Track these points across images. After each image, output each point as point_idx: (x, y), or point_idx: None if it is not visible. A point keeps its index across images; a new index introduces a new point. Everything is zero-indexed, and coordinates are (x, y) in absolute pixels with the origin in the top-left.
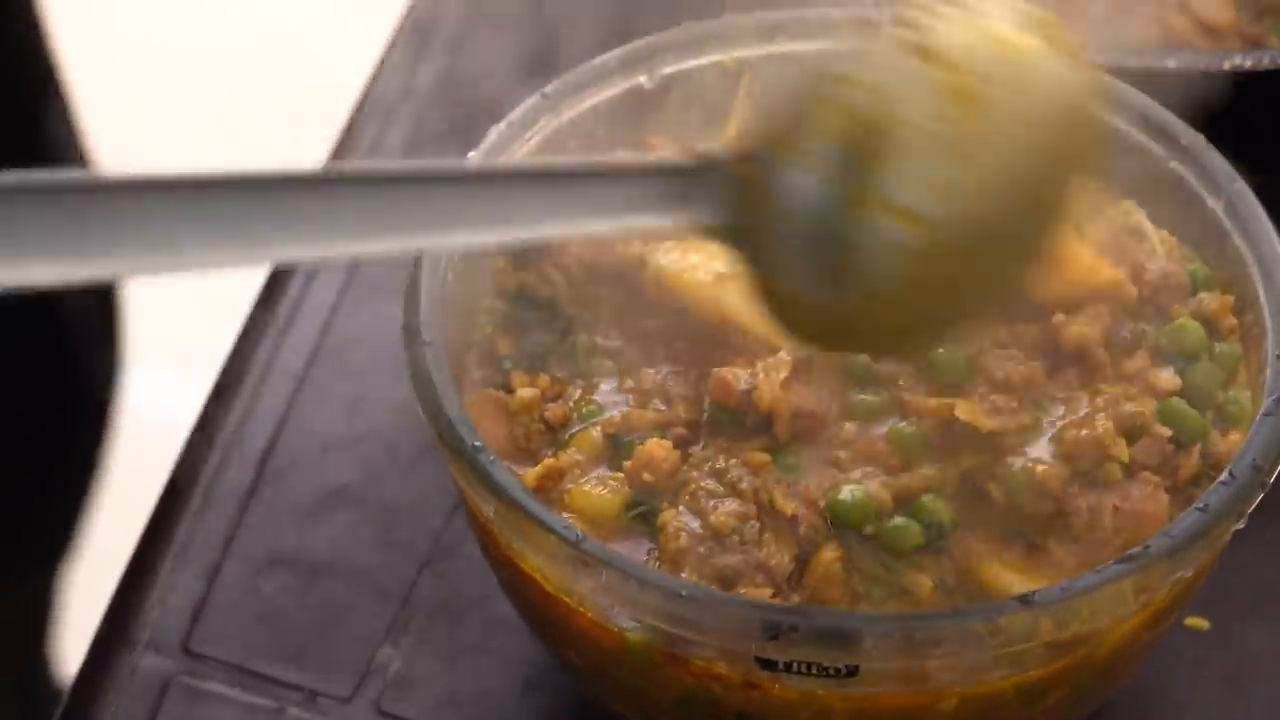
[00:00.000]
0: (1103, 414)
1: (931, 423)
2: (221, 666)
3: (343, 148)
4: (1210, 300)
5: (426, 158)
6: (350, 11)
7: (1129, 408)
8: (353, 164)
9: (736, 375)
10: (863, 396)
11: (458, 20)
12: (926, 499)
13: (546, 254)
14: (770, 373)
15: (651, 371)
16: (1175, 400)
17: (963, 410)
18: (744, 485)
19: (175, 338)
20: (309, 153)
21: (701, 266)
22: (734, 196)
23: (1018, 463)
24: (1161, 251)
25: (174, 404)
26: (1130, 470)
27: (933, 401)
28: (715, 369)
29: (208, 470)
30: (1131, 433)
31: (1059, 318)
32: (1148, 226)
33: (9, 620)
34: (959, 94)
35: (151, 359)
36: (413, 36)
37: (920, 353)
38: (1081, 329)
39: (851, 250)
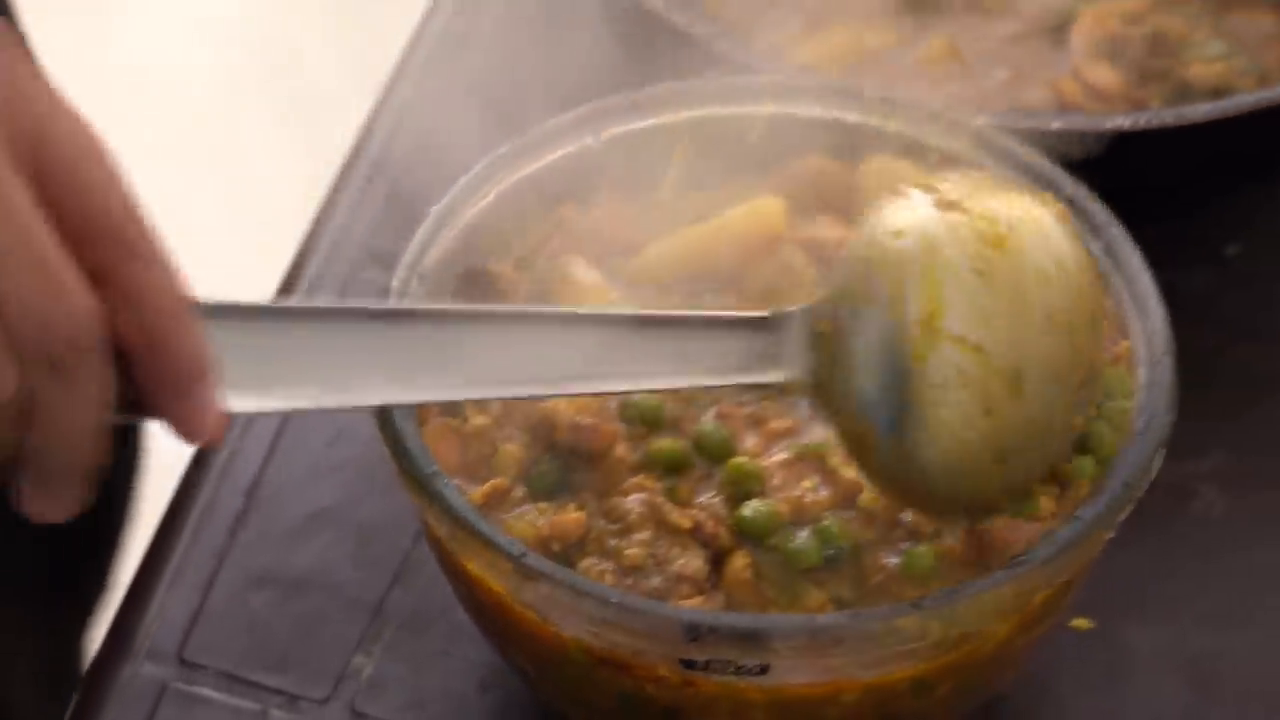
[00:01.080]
0: None
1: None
2: (212, 673)
3: (329, 202)
4: None
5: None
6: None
7: None
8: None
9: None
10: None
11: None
12: (827, 522)
13: (498, 296)
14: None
15: None
16: (1080, 462)
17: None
18: (634, 516)
19: None
20: (295, 203)
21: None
22: (814, 349)
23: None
24: None
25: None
26: None
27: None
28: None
29: (202, 497)
30: None
31: None
32: None
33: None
34: (992, 238)
35: None
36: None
37: (987, 507)
38: None
39: (916, 387)
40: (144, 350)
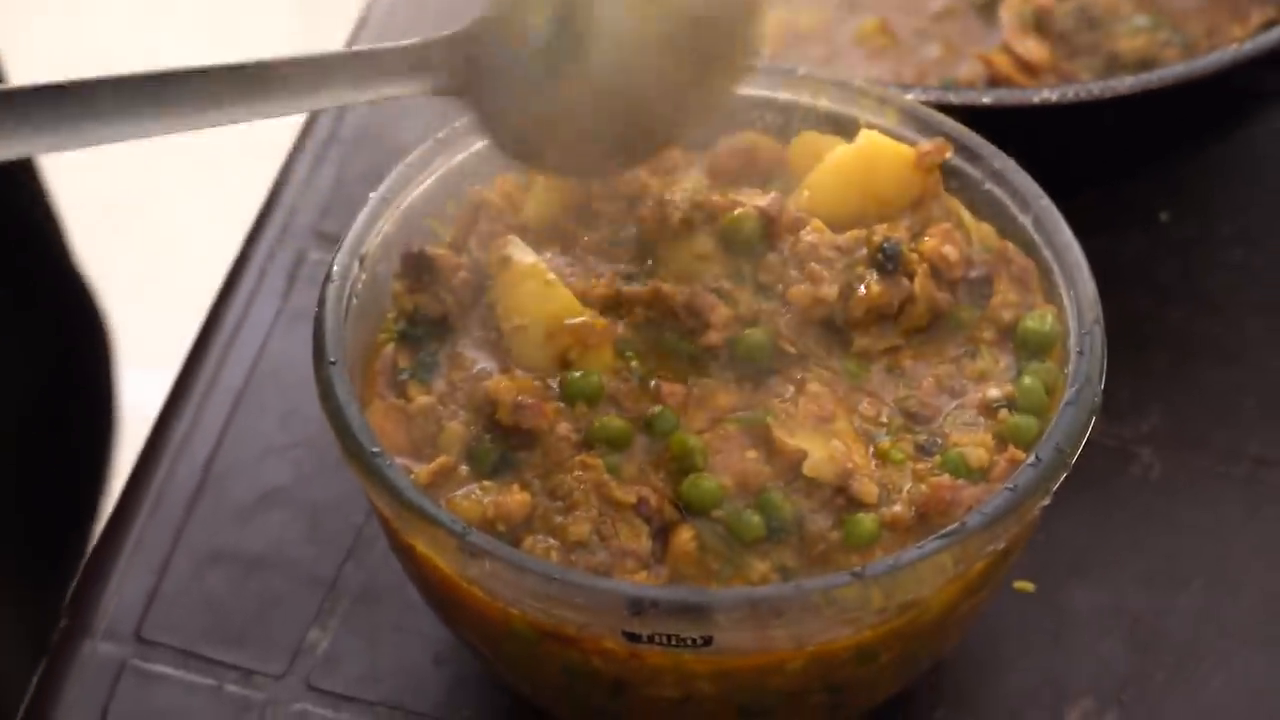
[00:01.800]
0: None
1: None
2: (169, 651)
3: (279, 185)
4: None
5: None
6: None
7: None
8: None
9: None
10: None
11: None
12: (772, 494)
13: (439, 279)
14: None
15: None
16: (1017, 419)
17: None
18: (578, 494)
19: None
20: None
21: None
22: (463, 66)
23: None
24: (978, 238)
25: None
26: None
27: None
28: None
29: (159, 476)
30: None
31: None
32: (968, 218)
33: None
34: None
35: (144, 360)
36: None
37: (624, 166)
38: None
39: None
40: None
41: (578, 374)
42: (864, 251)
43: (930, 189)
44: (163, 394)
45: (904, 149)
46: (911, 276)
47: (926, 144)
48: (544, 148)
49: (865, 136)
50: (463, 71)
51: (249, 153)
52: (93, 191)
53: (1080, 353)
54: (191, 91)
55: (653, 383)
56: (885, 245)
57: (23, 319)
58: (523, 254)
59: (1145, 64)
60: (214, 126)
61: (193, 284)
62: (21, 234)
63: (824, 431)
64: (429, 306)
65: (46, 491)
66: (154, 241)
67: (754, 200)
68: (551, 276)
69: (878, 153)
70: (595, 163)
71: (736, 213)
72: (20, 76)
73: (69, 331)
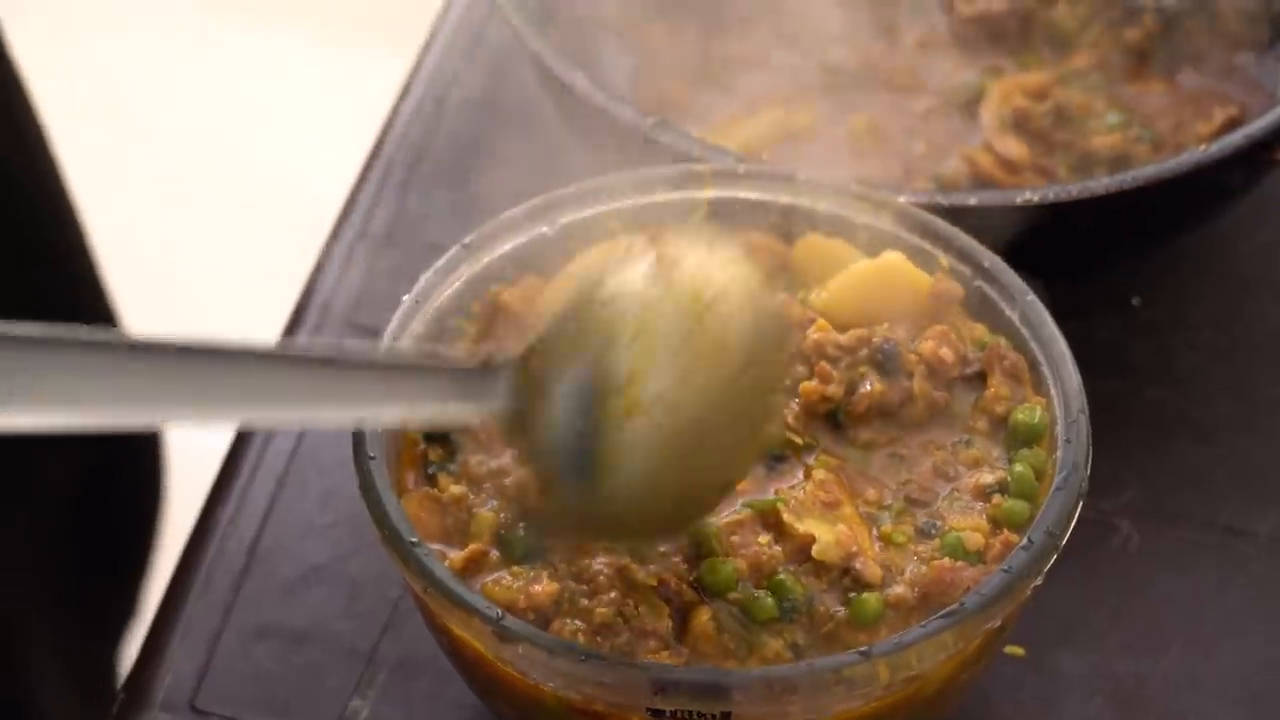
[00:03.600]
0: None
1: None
2: None
3: (313, 278)
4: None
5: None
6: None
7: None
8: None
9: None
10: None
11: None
12: (783, 577)
13: None
14: None
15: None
16: (1010, 504)
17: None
18: (602, 578)
19: None
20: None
21: None
22: (521, 392)
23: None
24: (971, 337)
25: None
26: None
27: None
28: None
29: (208, 556)
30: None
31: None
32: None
33: (79, 691)
34: (699, 308)
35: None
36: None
37: (666, 537)
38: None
39: (609, 443)
40: None
41: None
42: (865, 351)
43: (942, 312)
44: (212, 447)
45: (922, 276)
46: (910, 376)
47: (944, 282)
48: (604, 507)
49: (888, 256)
50: (518, 403)
51: (282, 248)
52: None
53: (1067, 441)
54: (242, 379)
55: None
56: (885, 347)
57: None
58: None
59: (1118, 159)
60: (253, 424)
61: None
62: (70, 307)
63: (830, 517)
64: None
65: (93, 565)
66: (196, 321)
67: None
68: None
69: (896, 273)
70: (649, 531)
71: None
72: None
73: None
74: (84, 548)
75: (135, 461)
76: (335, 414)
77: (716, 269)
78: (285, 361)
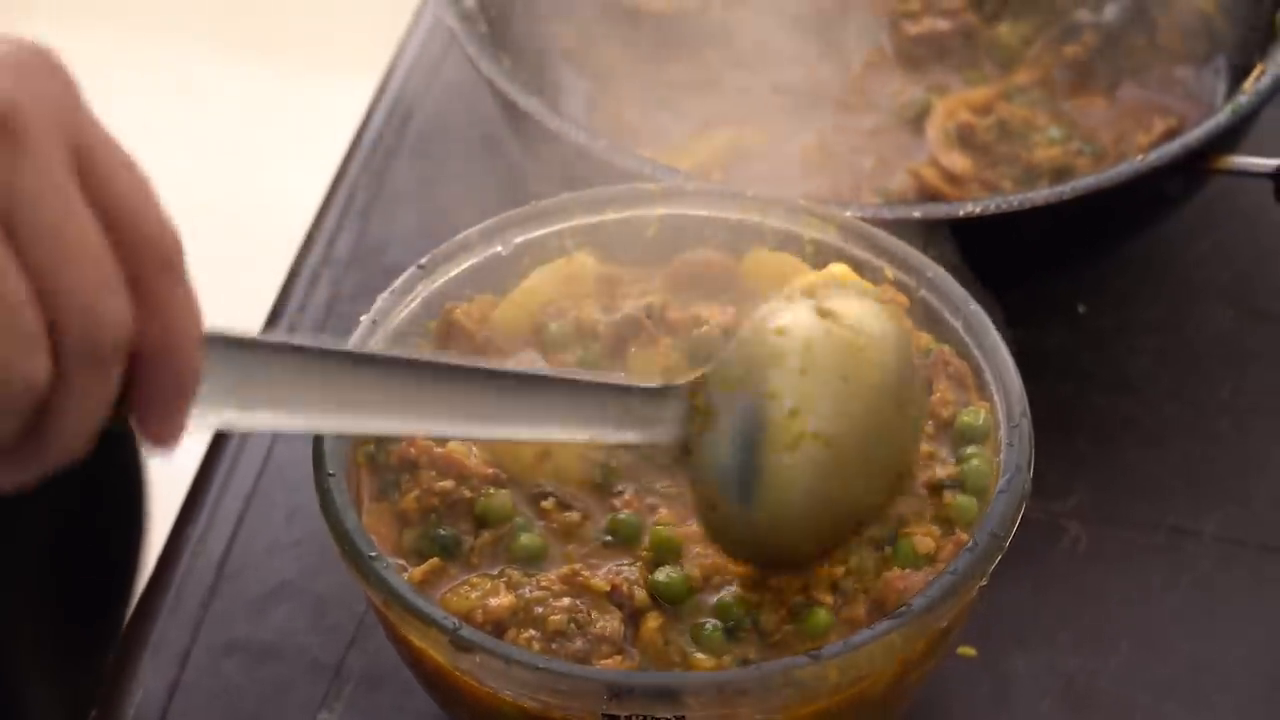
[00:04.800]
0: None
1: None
2: None
3: (279, 302)
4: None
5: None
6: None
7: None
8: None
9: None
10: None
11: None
12: (726, 599)
13: None
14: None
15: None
16: (960, 500)
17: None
18: (557, 586)
19: None
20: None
21: None
22: (689, 420)
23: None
24: (917, 345)
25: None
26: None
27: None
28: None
29: (178, 575)
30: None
31: None
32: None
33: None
34: (856, 348)
35: None
36: (332, 212)
37: (814, 565)
38: None
39: (772, 471)
40: (153, 359)
41: (491, 493)
42: None
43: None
44: (181, 466)
45: (866, 287)
46: None
47: (888, 292)
48: (765, 533)
49: (833, 268)
50: (690, 430)
51: (251, 267)
52: None
53: (1010, 444)
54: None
55: (619, 487)
56: None
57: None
58: None
59: (1060, 171)
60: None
61: None
62: None
63: None
64: None
65: (79, 589)
66: None
67: (714, 315)
68: None
69: (841, 282)
70: (800, 553)
71: (702, 330)
72: None
73: (100, 439)
74: (70, 570)
75: (119, 488)
76: (523, 431)
77: (870, 315)
78: (474, 375)
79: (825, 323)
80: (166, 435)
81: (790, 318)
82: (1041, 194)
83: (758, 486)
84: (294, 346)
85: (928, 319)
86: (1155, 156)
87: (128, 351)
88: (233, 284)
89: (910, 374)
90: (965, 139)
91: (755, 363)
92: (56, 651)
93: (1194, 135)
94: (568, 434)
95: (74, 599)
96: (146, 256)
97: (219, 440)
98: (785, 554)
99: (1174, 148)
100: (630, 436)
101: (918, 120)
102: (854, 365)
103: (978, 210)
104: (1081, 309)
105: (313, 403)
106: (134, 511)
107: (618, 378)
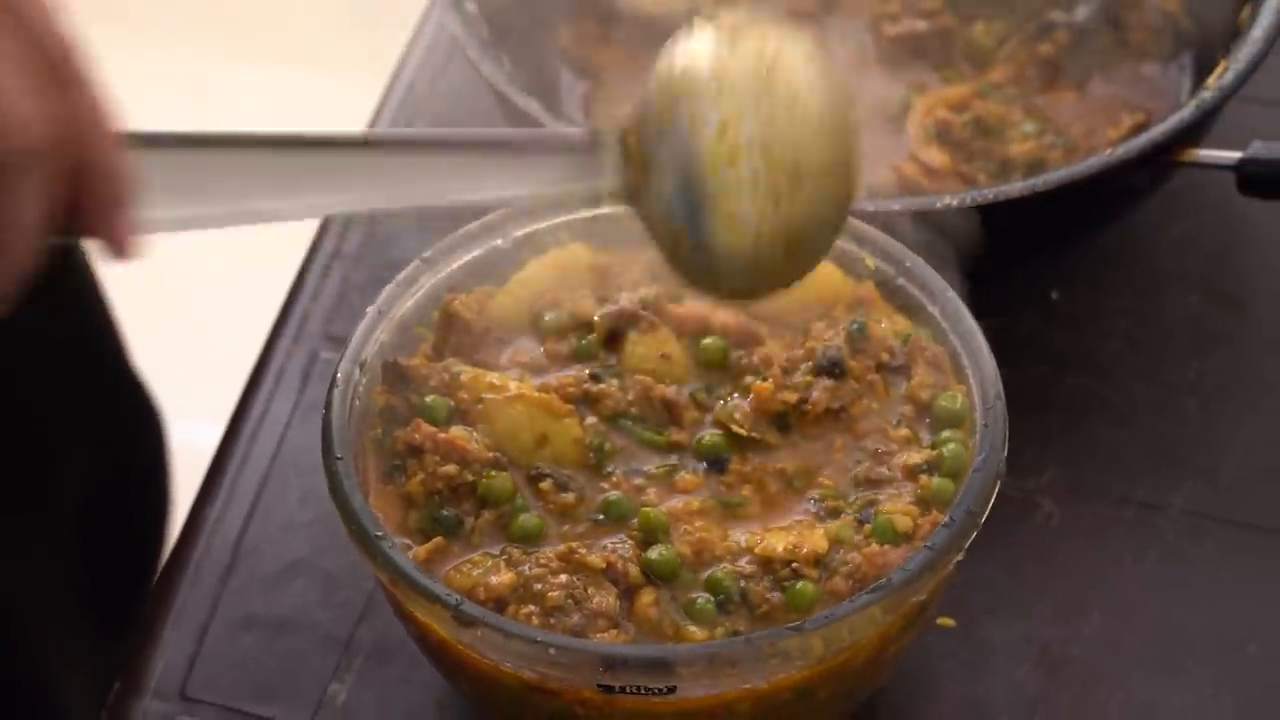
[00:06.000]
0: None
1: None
2: (211, 707)
3: (293, 293)
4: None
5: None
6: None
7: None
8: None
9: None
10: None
11: None
12: (718, 574)
13: (411, 385)
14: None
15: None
16: (937, 482)
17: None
18: (555, 564)
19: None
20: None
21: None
22: (628, 164)
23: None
24: (896, 330)
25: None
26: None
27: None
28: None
29: (197, 552)
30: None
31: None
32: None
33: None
34: (769, 56)
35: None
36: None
37: (772, 290)
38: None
39: (718, 190)
40: (85, 170)
41: (492, 474)
42: (809, 363)
43: (864, 301)
44: (199, 448)
45: (832, 270)
46: (858, 379)
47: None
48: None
49: None
50: (627, 173)
51: (267, 259)
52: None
53: (985, 425)
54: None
55: (609, 469)
56: (829, 354)
57: (87, 415)
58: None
59: (1034, 165)
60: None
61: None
62: (85, 336)
63: (775, 510)
64: (400, 406)
65: (107, 567)
66: (188, 330)
67: (704, 307)
68: (514, 385)
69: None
70: (761, 282)
71: (709, 340)
72: None
73: (127, 425)
74: (100, 545)
75: (146, 462)
76: (465, 194)
77: (773, 26)
78: (408, 147)
79: (730, 37)
80: (118, 239)
81: (696, 45)
82: (1016, 187)
83: (707, 214)
84: (223, 137)
85: (906, 306)
86: (1123, 150)
87: (54, 161)
88: (250, 276)
89: (829, 80)
90: (943, 135)
91: (672, 98)
92: (84, 625)
93: (1160, 130)
94: (511, 191)
95: (101, 572)
96: (54, 70)
97: (235, 425)
98: (749, 280)
99: (1141, 142)
100: (571, 188)
101: (898, 118)
102: (770, 69)
103: (954, 203)
104: (1055, 295)
105: (254, 190)
106: (158, 486)
107: (548, 132)
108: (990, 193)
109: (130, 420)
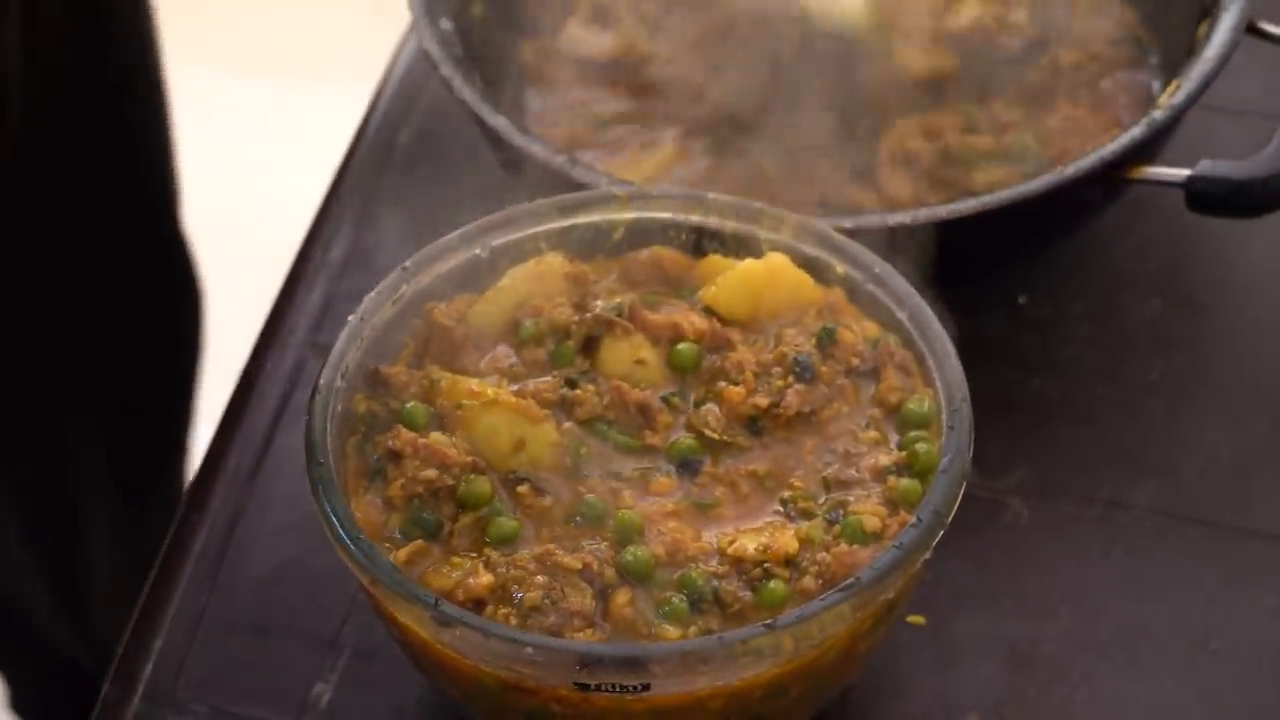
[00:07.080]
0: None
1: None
2: (200, 707)
3: (279, 303)
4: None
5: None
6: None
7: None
8: None
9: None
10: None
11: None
12: (692, 574)
13: (391, 392)
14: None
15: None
16: (905, 483)
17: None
18: (533, 565)
19: None
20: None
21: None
22: None
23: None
24: (865, 334)
25: None
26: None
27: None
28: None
29: (190, 555)
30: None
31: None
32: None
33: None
34: None
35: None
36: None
37: None
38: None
39: None
40: None
41: (471, 478)
42: (780, 368)
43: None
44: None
45: (803, 275)
46: (828, 383)
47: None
48: None
49: (771, 256)
50: None
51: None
52: None
53: (951, 428)
54: None
55: (585, 472)
56: (800, 358)
57: (135, 274)
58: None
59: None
60: None
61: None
62: (135, 180)
63: (746, 511)
64: (379, 411)
65: (138, 426)
66: None
67: (678, 314)
68: (490, 392)
69: (778, 271)
70: None
71: (682, 346)
72: None
73: (169, 282)
74: (128, 414)
75: (181, 319)
76: None
77: None
78: None
79: None
80: None
81: None
82: (969, 204)
83: None
84: None
85: (875, 311)
86: (1073, 169)
87: None
88: (238, 285)
89: None
90: (911, 163)
91: None
92: (114, 499)
93: (1110, 149)
94: None
95: (128, 444)
96: None
97: (223, 430)
98: None
99: (1091, 160)
100: None
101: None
102: None
103: (907, 220)
104: (1021, 300)
105: None
106: (189, 354)
107: None
108: (943, 210)
109: (171, 277)
